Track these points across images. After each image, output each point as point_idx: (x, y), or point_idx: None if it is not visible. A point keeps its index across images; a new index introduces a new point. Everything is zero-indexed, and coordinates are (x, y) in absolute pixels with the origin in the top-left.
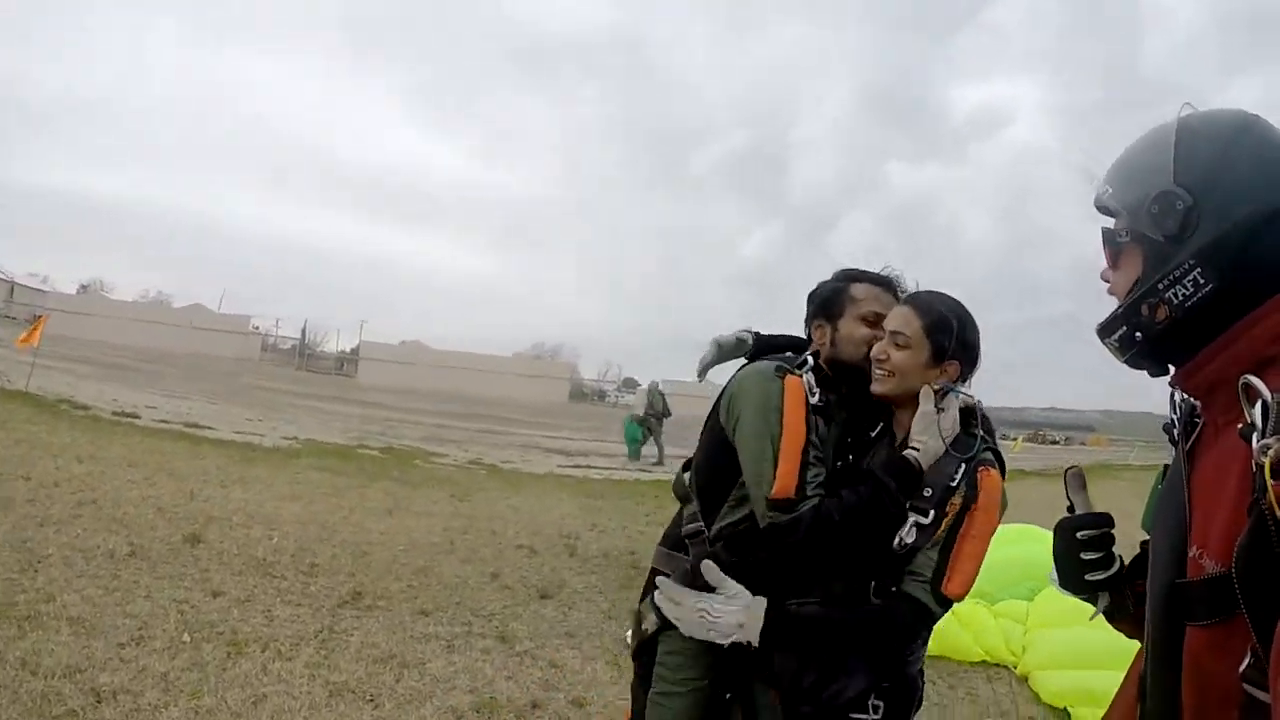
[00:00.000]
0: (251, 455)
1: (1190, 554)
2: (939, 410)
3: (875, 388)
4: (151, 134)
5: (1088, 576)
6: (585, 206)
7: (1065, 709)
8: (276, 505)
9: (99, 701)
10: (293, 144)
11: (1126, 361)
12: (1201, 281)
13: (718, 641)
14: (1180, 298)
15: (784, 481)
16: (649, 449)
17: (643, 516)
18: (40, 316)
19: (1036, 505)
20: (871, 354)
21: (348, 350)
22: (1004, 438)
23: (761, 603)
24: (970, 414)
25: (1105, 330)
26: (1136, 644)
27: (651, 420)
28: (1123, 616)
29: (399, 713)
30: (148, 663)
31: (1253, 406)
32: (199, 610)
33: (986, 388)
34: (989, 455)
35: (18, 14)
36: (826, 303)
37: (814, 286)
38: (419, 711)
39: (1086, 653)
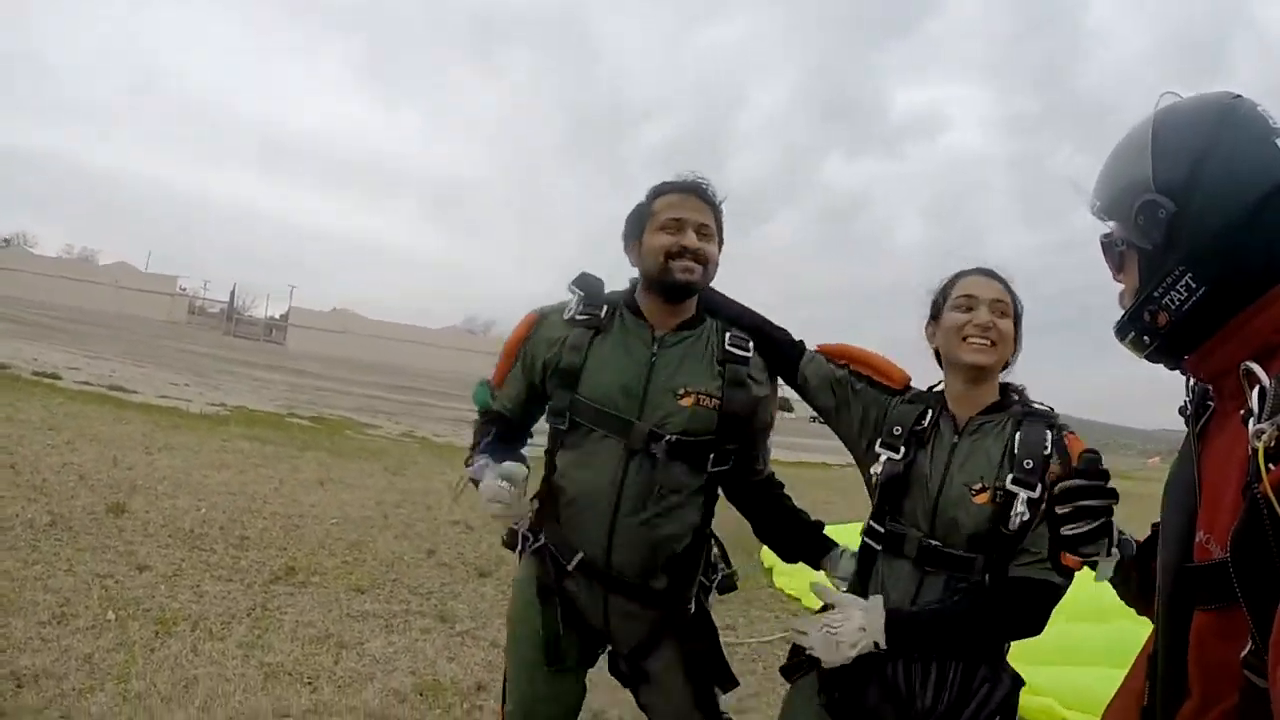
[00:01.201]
0: (178, 421)
1: (1198, 538)
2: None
3: (978, 358)
4: (83, 88)
5: (1082, 550)
6: (523, 183)
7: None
8: (204, 474)
9: (19, 686)
10: (228, 106)
11: (1146, 359)
12: (1194, 285)
13: (849, 656)
14: (1176, 303)
15: (496, 377)
16: None
17: None
18: None
19: None
20: (973, 320)
21: (277, 316)
22: None
23: (878, 601)
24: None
25: (1119, 334)
26: (1090, 641)
27: None
28: (1125, 592)
29: (339, 696)
30: (71, 643)
31: (1252, 391)
32: (124, 586)
33: (923, 381)
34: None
35: None
36: (632, 222)
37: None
38: (360, 694)
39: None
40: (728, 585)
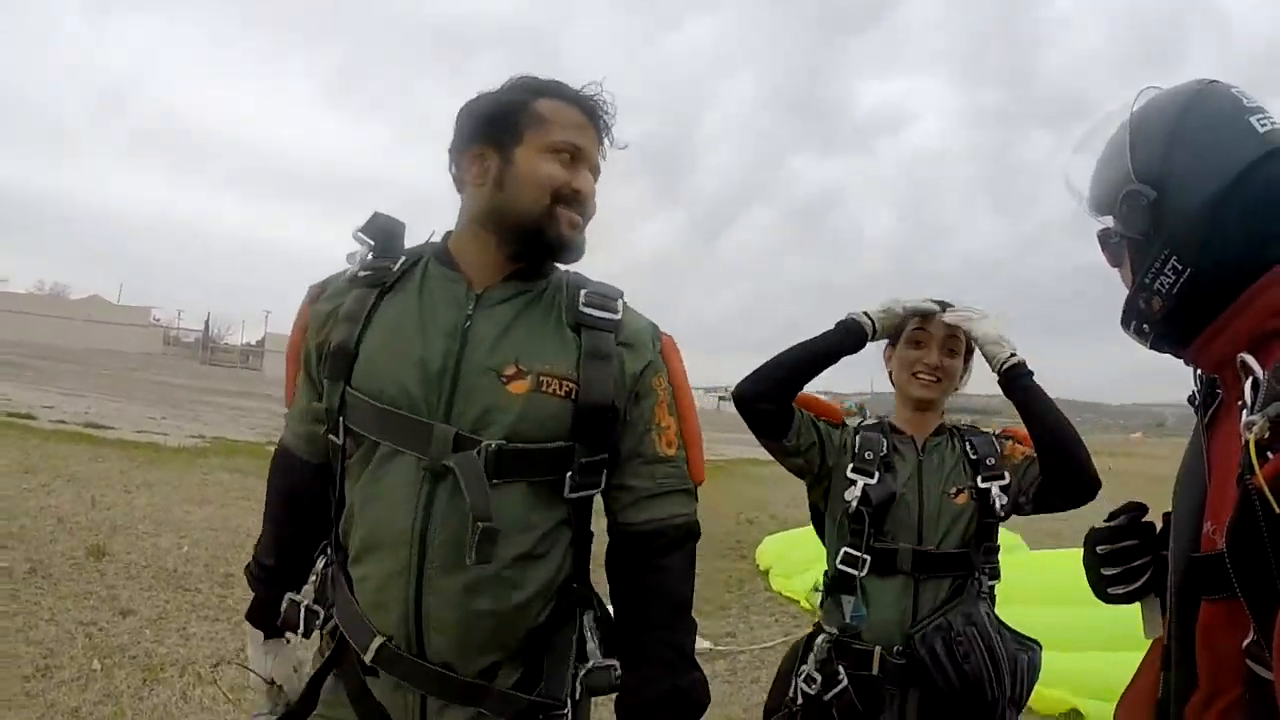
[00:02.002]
0: (156, 456)
1: (1205, 529)
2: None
3: (925, 394)
4: (46, 121)
5: (1110, 590)
6: None
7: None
8: (185, 510)
9: None
10: (194, 129)
11: (1152, 348)
12: (1180, 268)
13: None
14: (1166, 287)
15: (287, 395)
16: None
17: None
18: None
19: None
20: (922, 360)
21: (253, 343)
22: None
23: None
24: None
25: (1123, 325)
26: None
27: None
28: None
29: None
30: (56, 697)
31: (1246, 382)
32: (108, 633)
33: (883, 371)
34: None
35: None
36: (494, 122)
37: (467, 102)
38: None
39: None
40: (602, 685)
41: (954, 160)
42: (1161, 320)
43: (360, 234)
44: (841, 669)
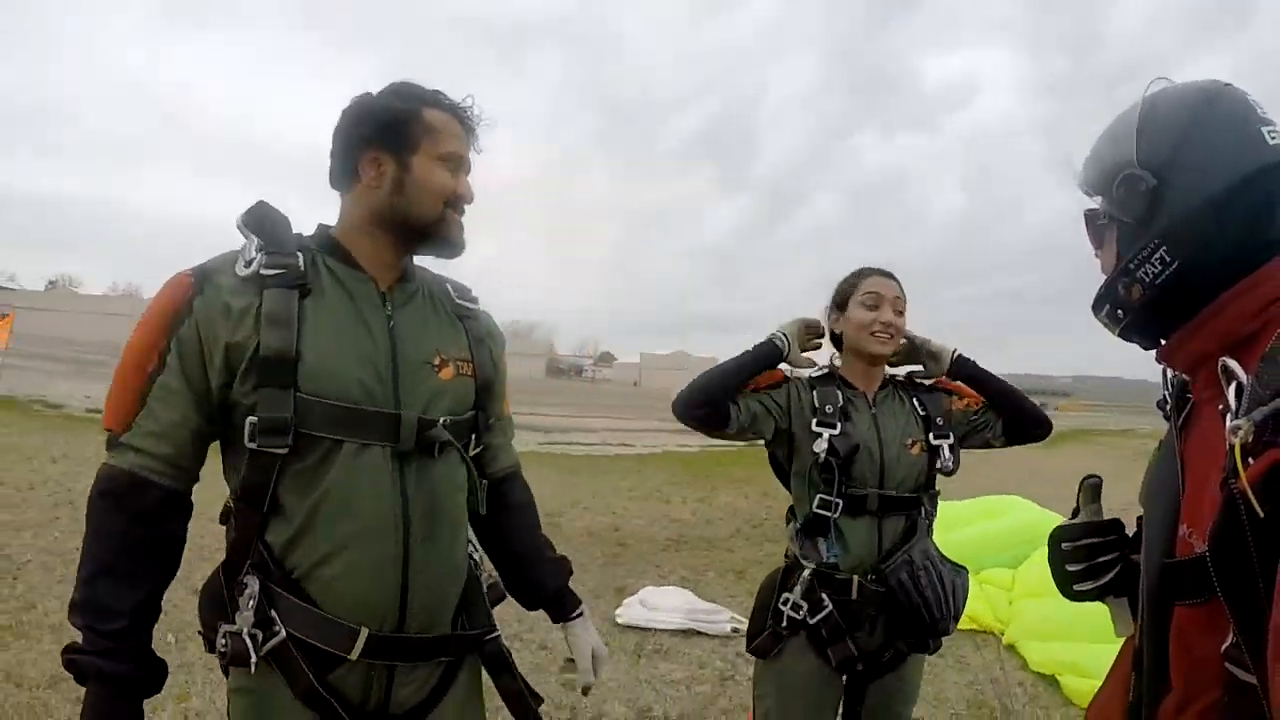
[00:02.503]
0: None
1: (1180, 533)
2: None
3: (883, 349)
4: (118, 132)
5: (1075, 587)
6: (559, 185)
7: (1054, 676)
8: None
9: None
10: (256, 132)
11: (1119, 335)
12: (1168, 260)
13: None
14: (1150, 276)
15: (117, 414)
16: None
17: (625, 492)
18: (8, 314)
19: (1017, 474)
20: (878, 319)
21: None
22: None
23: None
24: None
25: (1095, 307)
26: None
27: None
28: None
29: None
30: None
31: (1229, 387)
32: (182, 610)
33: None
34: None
35: None
36: (390, 128)
37: (354, 102)
38: None
39: (1070, 624)
40: (498, 598)
41: (1021, 132)
42: (1138, 309)
43: (244, 225)
44: (825, 596)
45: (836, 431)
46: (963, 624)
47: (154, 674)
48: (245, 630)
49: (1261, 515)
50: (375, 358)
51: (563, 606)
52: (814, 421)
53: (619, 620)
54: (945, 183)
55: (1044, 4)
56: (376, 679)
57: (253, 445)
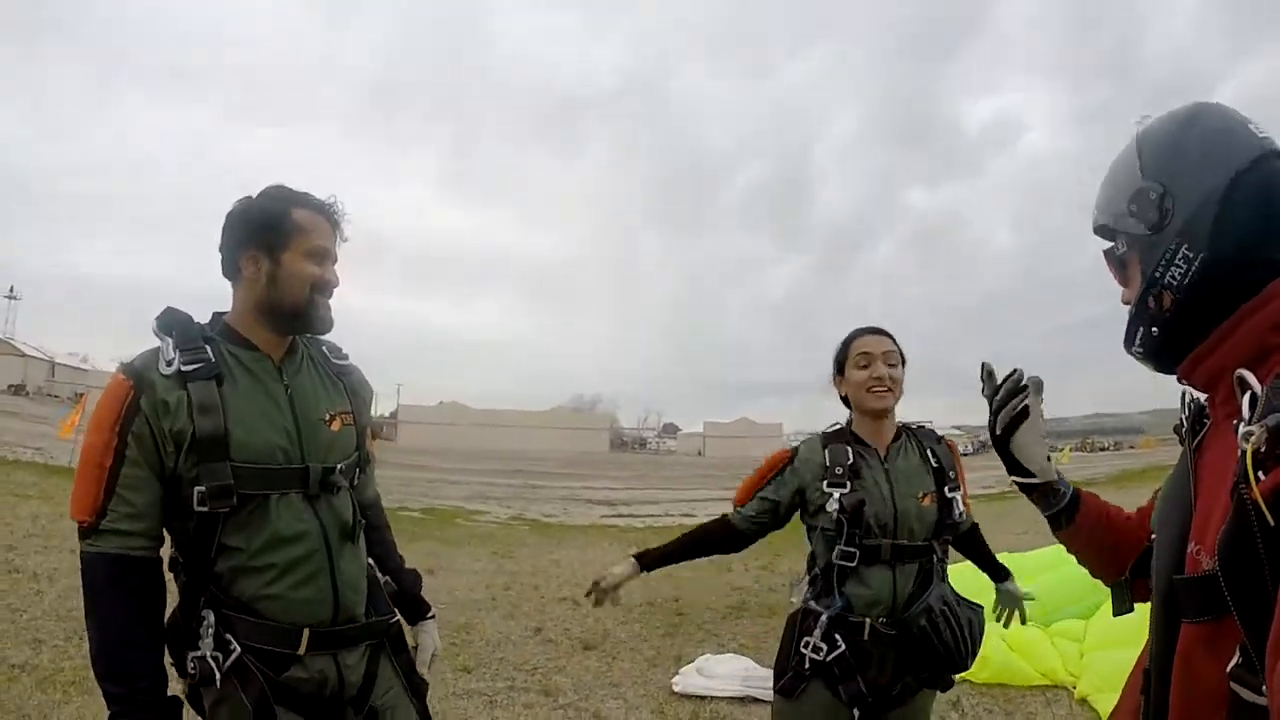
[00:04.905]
0: None
1: (1190, 550)
2: None
3: (881, 404)
4: (182, 216)
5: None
6: (614, 257)
7: None
8: None
9: None
10: None
11: (1156, 367)
12: (1190, 255)
13: None
14: (1178, 277)
15: (84, 504)
16: None
17: (687, 562)
18: (82, 395)
19: None
20: (872, 375)
21: (386, 415)
22: (1051, 449)
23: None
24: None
25: (1128, 340)
26: None
27: None
28: (1122, 606)
29: None
30: None
31: (1244, 397)
32: None
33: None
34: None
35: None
36: (264, 230)
37: (236, 206)
38: None
39: None
40: (389, 593)
41: (1068, 163)
42: (1172, 320)
43: (160, 329)
44: (838, 637)
45: (846, 490)
46: (1033, 679)
47: (178, 710)
48: (208, 654)
49: (1272, 524)
50: (284, 423)
51: (418, 609)
52: (825, 483)
53: (675, 689)
54: (999, 220)
55: (1081, 37)
56: (327, 668)
57: (203, 509)
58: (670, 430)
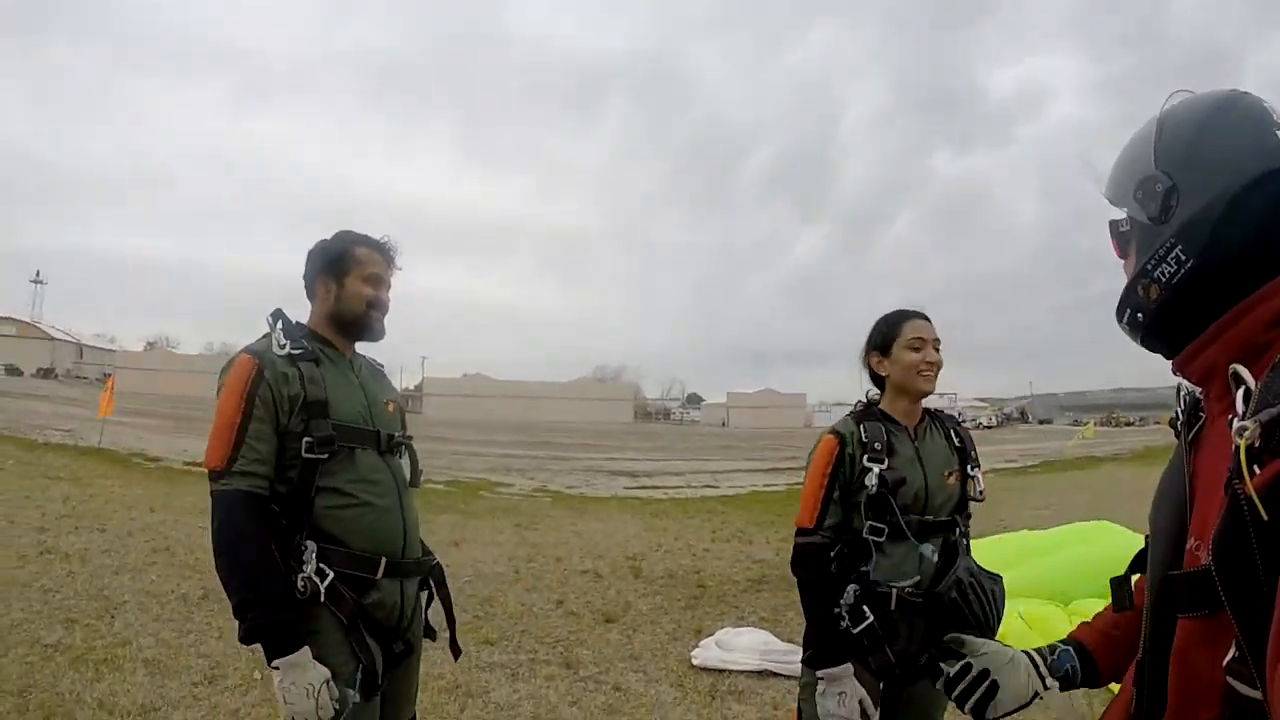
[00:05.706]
0: None
1: (1188, 546)
2: None
3: (931, 387)
4: (209, 197)
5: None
6: (637, 228)
7: None
8: None
9: None
10: (337, 198)
11: (1141, 343)
12: (1183, 258)
13: None
14: (1166, 276)
15: (219, 452)
16: None
17: (708, 534)
18: (110, 376)
19: (1115, 494)
20: (925, 360)
21: (411, 387)
22: (1074, 423)
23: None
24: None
25: (1118, 315)
26: None
27: None
28: (1122, 604)
29: None
30: (220, 700)
31: (1238, 391)
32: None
33: (1045, 372)
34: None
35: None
36: (333, 262)
37: (315, 246)
38: None
39: None
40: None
41: (1096, 133)
42: (1156, 310)
43: (275, 322)
44: (866, 609)
45: (885, 466)
46: None
47: (303, 612)
48: (311, 573)
49: (1266, 519)
50: (361, 399)
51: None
52: (865, 457)
53: (695, 662)
54: (1024, 192)
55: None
56: (394, 597)
57: (310, 455)
58: (694, 400)
